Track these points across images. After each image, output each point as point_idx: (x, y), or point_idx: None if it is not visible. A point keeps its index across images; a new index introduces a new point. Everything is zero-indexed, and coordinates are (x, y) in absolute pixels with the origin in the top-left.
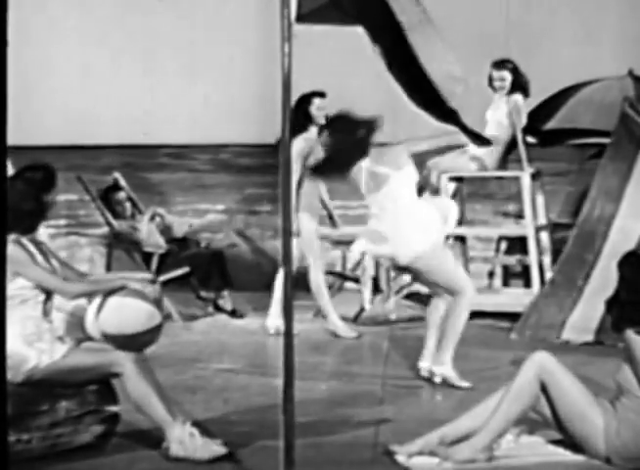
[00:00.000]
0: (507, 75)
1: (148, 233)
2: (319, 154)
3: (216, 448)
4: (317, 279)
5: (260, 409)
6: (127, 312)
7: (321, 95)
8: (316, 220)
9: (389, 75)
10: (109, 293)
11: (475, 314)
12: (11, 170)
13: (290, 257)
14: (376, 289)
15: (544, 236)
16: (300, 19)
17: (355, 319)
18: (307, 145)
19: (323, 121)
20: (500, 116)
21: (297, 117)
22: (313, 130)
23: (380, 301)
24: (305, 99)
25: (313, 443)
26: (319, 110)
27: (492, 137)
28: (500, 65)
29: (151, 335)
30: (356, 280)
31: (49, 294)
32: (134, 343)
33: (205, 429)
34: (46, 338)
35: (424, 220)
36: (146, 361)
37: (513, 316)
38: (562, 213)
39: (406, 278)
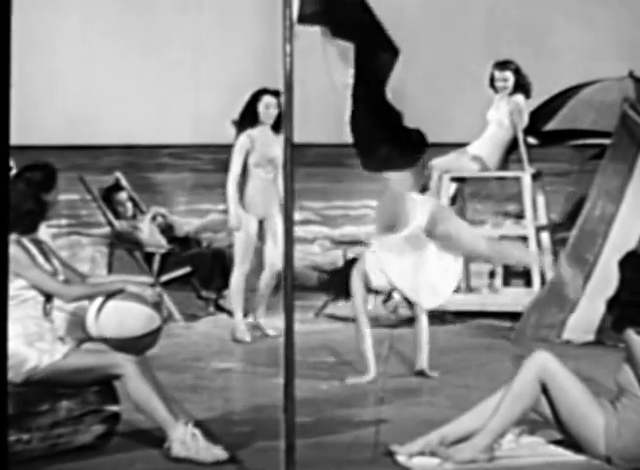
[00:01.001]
0: (510, 76)
1: (149, 233)
2: (261, 151)
3: (219, 452)
4: (238, 279)
5: (261, 409)
6: (126, 316)
7: (274, 93)
8: (256, 221)
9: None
10: (108, 296)
11: (475, 314)
12: (13, 170)
13: (291, 257)
14: (376, 290)
15: (545, 236)
16: (302, 20)
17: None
18: (250, 141)
19: (270, 120)
20: (501, 116)
21: (245, 112)
22: (260, 128)
23: (380, 301)
24: (256, 96)
25: (314, 443)
26: (267, 107)
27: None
28: (503, 65)
29: (150, 338)
30: None
31: (49, 294)
32: (133, 346)
33: (205, 429)
34: (47, 338)
35: None
36: (146, 362)
37: (513, 316)
38: (562, 214)
39: None
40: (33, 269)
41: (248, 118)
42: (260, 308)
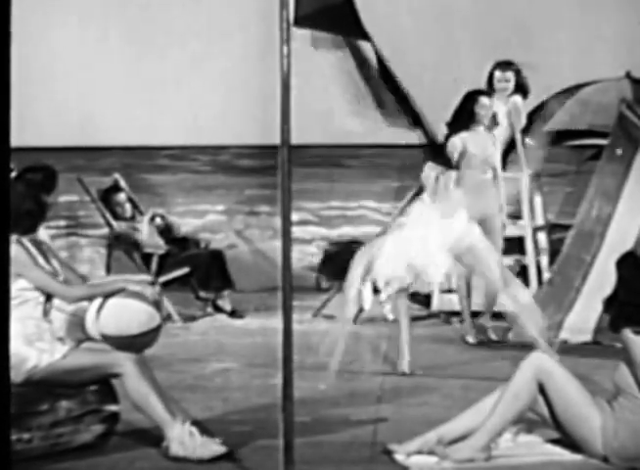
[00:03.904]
0: (512, 77)
1: (148, 234)
2: (474, 152)
3: (216, 448)
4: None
5: (260, 409)
6: (126, 314)
7: (488, 93)
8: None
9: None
10: (108, 295)
11: (473, 314)
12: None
13: (289, 257)
14: (375, 289)
15: (542, 236)
16: (297, 22)
17: (354, 320)
18: (462, 143)
19: (486, 120)
20: (499, 116)
21: (460, 114)
22: (476, 129)
23: (379, 301)
24: (470, 97)
25: (312, 442)
26: (483, 108)
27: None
28: (505, 66)
29: (150, 336)
30: None
31: (49, 295)
32: (133, 344)
33: (204, 428)
34: (46, 338)
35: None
36: (145, 362)
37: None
38: (560, 214)
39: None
40: (35, 270)
41: (463, 120)
42: None
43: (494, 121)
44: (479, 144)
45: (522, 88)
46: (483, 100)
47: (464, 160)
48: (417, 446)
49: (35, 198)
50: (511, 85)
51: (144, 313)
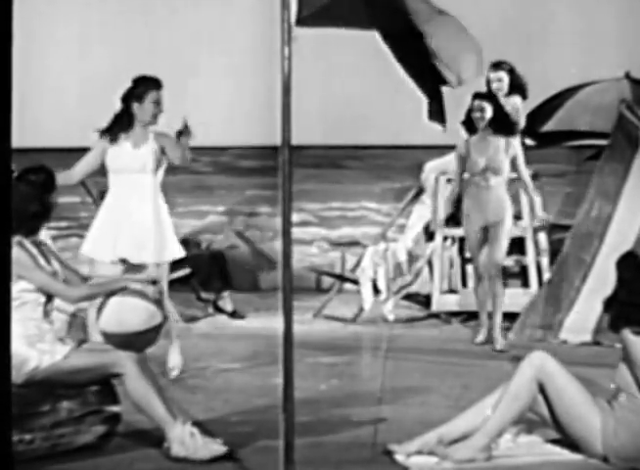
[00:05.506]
0: (504, 76)
1: None
2: (474, 158)
3: (217, 448)
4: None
5: (260, 409)
6: (128, 311)
7: (480, 96)
8: (477, 227)
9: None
10: (110, 294)
11: (473, 314)
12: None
13: (289, 258)
14: (375, 290)
15: (542, 237)
16: (300, 22)
17: (354, 320)
18: (465, 148)
19: (481, 123)
20: None
21: (466, 116)
22: (481, 133)
23: (379, 301)
24: (472, 99)
25: (313, 442)
26: (474, 112)
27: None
28: (497, 66)
29: (151, 334)
30: (355, 281)
31: (50, 296)
32: (135, 342)
33: (205, 429)
34: (47, 339)
35: None
36: (146, 362)
37: (511, 316)
38: (560, 214)
39: (405, 279)
40: (37, 271)
41: (465, 125)
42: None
43: (515, 124)
44: (483, 150)
45: (519, 88)
46: (476, 103)
47: (468, 165)
48: (417, 446)
49: (41, 199)
50: (505, 85)
51: (145, 311)
